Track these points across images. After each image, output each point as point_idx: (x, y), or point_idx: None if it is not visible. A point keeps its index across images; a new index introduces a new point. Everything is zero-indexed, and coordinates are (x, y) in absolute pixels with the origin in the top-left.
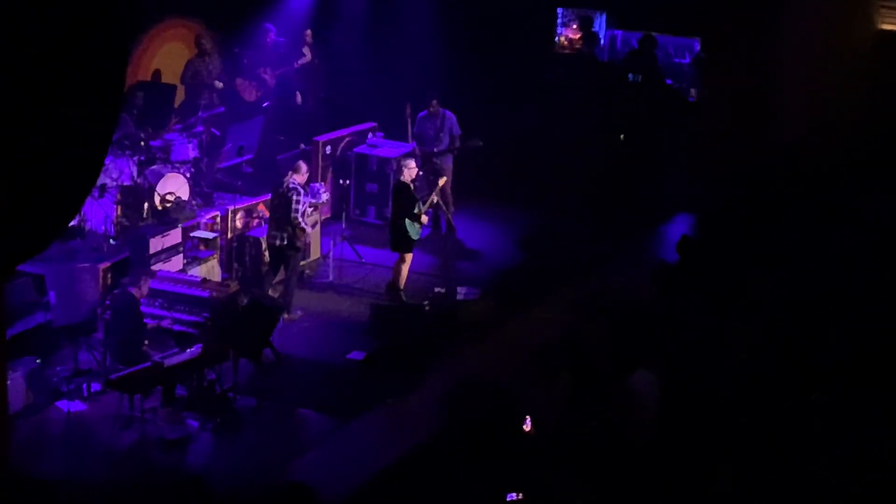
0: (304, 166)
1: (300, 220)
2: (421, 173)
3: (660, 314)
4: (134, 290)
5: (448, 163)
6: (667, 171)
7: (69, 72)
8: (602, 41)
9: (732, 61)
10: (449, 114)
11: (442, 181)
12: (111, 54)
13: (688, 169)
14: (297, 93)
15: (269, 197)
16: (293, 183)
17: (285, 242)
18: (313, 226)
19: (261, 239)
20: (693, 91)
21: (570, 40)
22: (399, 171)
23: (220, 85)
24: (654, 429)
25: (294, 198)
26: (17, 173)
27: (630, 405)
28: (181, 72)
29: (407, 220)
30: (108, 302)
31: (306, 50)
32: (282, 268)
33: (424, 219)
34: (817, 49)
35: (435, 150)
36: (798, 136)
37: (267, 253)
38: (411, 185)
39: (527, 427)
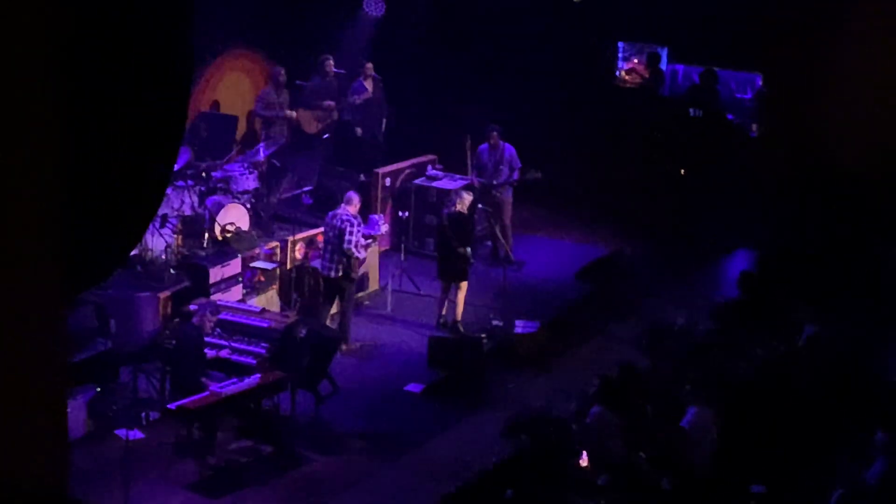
0: (355, 197)
1: (354, 250)
2: (479, 205)
3: (719, 349)
4: (197, 322)
5: (508, 195)
6: (727, 205)
7: (132, 102)
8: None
9: (793, 96)
10: (509, 146)
11: (505, 215)
12: (174, 85)
13: (748, 204)
14: (356, 127)
15: None
16: (346, 214)
17: (340, 273)
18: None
19: (318, 269)
20: (754, 126)
21: (632, 74)
22: (453, 202)
23: (293, 115)
24: (711, 464)
25: (347, 229)
26: (80, 202)
27: (687, 441)
28: (253, 102)
29: (468, 249)
30: (168, 331)
31: (368, 83)
32: (337, 299)
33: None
34: (879, 82)
35: (495, 182)
36: (859, 170)
37: (322, 284)
38: (468, 215)
39: (583, 462)
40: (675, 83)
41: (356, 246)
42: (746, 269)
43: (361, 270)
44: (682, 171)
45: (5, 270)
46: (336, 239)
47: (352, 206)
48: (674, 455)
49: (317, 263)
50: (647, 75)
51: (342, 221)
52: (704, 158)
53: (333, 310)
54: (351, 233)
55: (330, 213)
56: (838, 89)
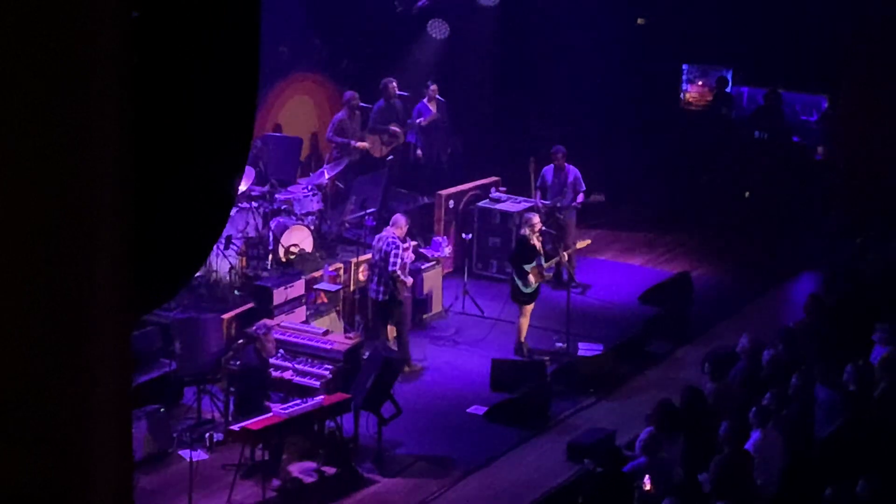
0: (402, 220)
1: (399, 273)
2: (544, 228)
3: (786, 373)
4: (259, 344)
5: (572, 217)
6: (793, 228)
7: (198, 121)
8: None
9: (859, 118)
10: (573, 169)
11: (581, 244)
12: (240, 105)
13: (813, 226)
14: (418, 148)
15: None
16: (391, 237)
17: (387, 297)
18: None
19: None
20: (820, 149)
21: (695, 96)
22: (521, 225)
23: (366, 145)
24: (776, 489)
25: (392, 251)
26: (146, 224)
27: (752, 465)
28: (317, 124)
29: (515, 275)
30: (231, 353)
31: (432, 104)
32: (390, 322)
33: (532, 277)
34: None
35: (559, 204)
36: None
37: (374, 308)
38: (532, 240)
39: (647, 486)
40: (740, 105)
41: (401, 269)
42: (814, 293)
43: (425, 292)
44: (747, 194)
45: (72, 290)
46: (382, 262)
47: (397, 228)
48: (738, 479)
49: None
50: (711, 98)
51: (388, 244)
52: (770, 181)
53: (392, 333)
54: (396, 255)
55: (377, 237)
56: None
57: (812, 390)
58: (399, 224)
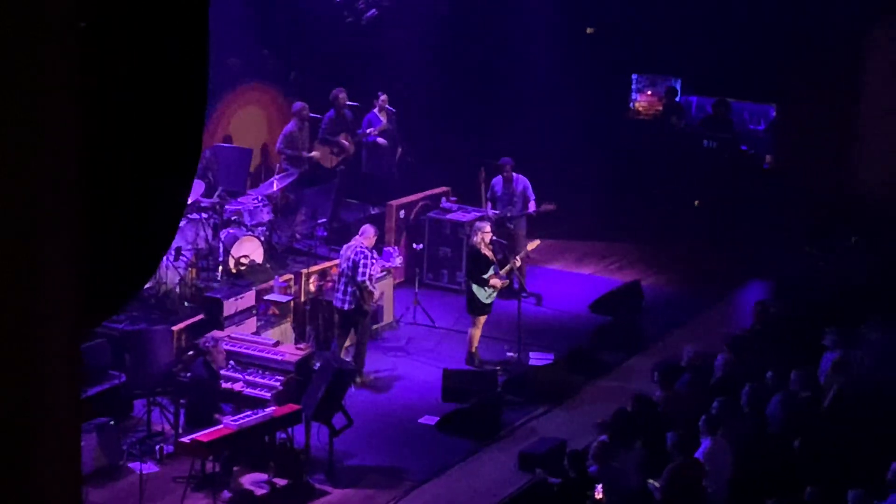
0: (371, 230)
1: (368, 283)
2: (493, 237)
3: (735, 380)
4: (209, 355)
5: (522, 227)
6: (742, 236)
7: (146, 133)
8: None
9: (807, 127)
10: (523, 178)
11: (532, 245)
12: (188, 116)
13: (762, 234)
14: (371, 159)
15: None
16: (360, 247)
17: (353, 306)
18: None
19: (332, 302)
20: (768, 157)
21: (645, 106)
22: (472, 233)
23: (316, 155)
24: (726, 496)
25: (361, 261)
26: (94, 236)
27: (702, 472)
28: (267, 134)
29: (475, 285)
30: (182, 365)
31: (382, 115)
32: (352, 331)
33: (496, 282)
34: (893, 116)
35: (509, 214)
36: (876, 201)
37: (336, 317)
38: (483, 249)
39: (598, 495)
40: (689, 114)
41: (370, 279)
42: (760, 300)
43: (376, 303)
44: (697, 203)
45: (19, 304)
46: (350, 271)
47: (366, 238)
48: (689, 488)
49: (332, 295)
50: (661, 107)
51: (357, 254)
52: (718, 189)
53: (348, 342)
54: (365, 265)
55: (345, 245)
56: (851, 120)
57: (760, 398)
58: (368, 234)
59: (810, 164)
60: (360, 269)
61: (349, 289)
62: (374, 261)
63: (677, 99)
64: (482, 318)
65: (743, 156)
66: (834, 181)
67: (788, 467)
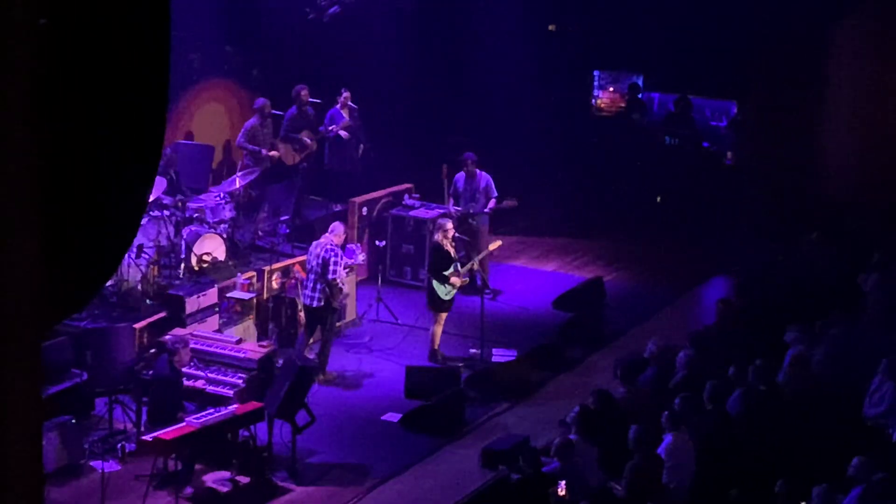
0: (340, 227)
1: (338, 281)
2: (456, 234)
3: (697, 376)
4: (172, 353)
5: (485, 223)
6: (704, 233)
7: (106, 130)
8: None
9: (770, 123)
10: (485, 175)
11: (493, 245)
12: (150, 113)
13: (724, 230)
14: (334, 156)
15: (304, 257)
16: (330, 244)
17: (322, 303)
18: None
19: (297, 299)
20: (729, 154)
21: (606, 102)
22: (434, 231)
23: (277, 154)
24: (688, 492)
25: (332, 259)
26: (54, 233)
27: (664, 468)
28: (229, 131)
29: (435, 281)
30: (143, 363)
31: (344, 111)
32: (318, 328)
33: (456, 280)
34: (856, 113)
35: (471, 210)
36: (837, 198)
37: (302, 314)
38: (445, 246)
39: (561, 491)
40: (651, 111)
41: (340, 276)
42: (723, 297)
43: (340, 300)
44: (659, 199)
45: None
46: (319, 269)
47: (336, 235)
48: (649, 483)
49: (295, 292)
50: (624, 104)
51: (327, 251)
52: (681, 186)
53: (313, 339)
54: (336, 263)
55: (314, 243)
56: (812, 116)
57: (722, 393)
58: (337, 231)
59: (772, 161)
60: (331, 268)
61: (318, 286)
62: (343, 258)
63: (640, 96)
64: (444, 315)
65: (705, 152)
66: (795, 177)
67: (750, 462)
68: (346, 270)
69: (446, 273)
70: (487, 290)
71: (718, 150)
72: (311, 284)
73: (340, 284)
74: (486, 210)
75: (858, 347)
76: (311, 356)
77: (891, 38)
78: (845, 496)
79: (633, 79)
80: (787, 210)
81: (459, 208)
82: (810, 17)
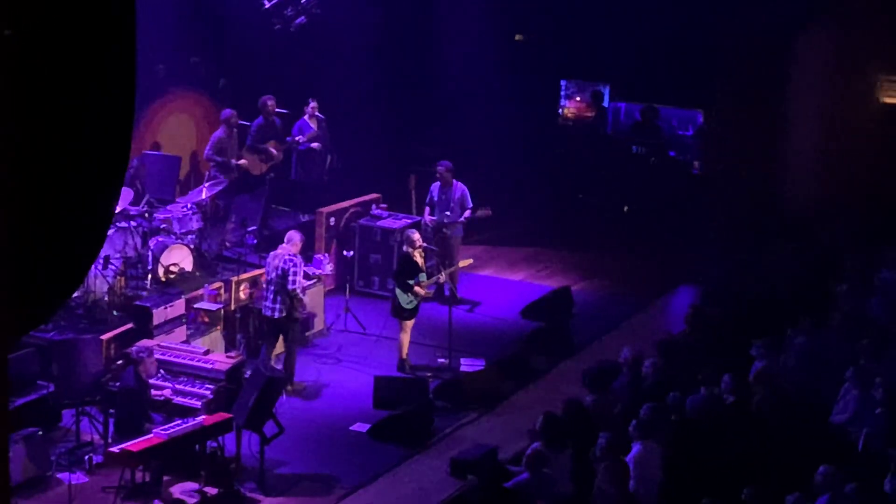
0: (297, 237)
1: (298, 291)
2: (423, 244)
3: (665, 385)
4: (139, 364)
5: (459, 233)
6: (671, 242)
7: (73, 141)
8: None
9: (735, 134)
10: (461, 185)
11: (464, 263)
12: (116, 125)
13: (691, 239)
14: (301, 167)
15: None
16: (287, 254)
17: (284, 314)
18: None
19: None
20: (696, 163)
21: (573, 112)
22: (403, 242)
23: (244, 163)
24: (656, 500)
25: (290, 269)
26: (20, 243)
27: (632, 476)
28: (196, 142)
29: (397, 289)
30: (110, 374)
31: (312, 122)
32: (280, 340)
33: (420, 290)
34: (821, 122)
35: (445, 220)
36: (802, 207)
37: (264, 325)
38: (415, 257)
39: None
40: (618, 121)
41: (300, 287)
42: (696, 304)
43: (307, 311)
44: (626, 208)
45: None
46: (279, 280)
47: (293, 245)
48: (619, 491)
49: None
50: (589, 113)
51: (285, 262)
52: (648, 195)
53: (277, 350)
54: (294, 273)
55: (271, 254)
56: (778, 125)
57: (690, 403)
58: (294, 241)
59: (738, 169)
60: (290, 278)
61: (279, 297)
62: (301, 268)
63: (604, 104)
64: (409, 323)
65: (671, 162)
66: (761, 185)
67: (717, 472)
68: (313, 280)
69: (410, 282)
70: (456, 301)
71: (685, 160)
72: (272, 296)
73: (300, 295)
74: (460, 220)
75: (827, 355)
76: (278, 367)
77: (854, 46)
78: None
79: (598, 87)
80: (753, 218)
81: (434, 217)
82: (775, 25)
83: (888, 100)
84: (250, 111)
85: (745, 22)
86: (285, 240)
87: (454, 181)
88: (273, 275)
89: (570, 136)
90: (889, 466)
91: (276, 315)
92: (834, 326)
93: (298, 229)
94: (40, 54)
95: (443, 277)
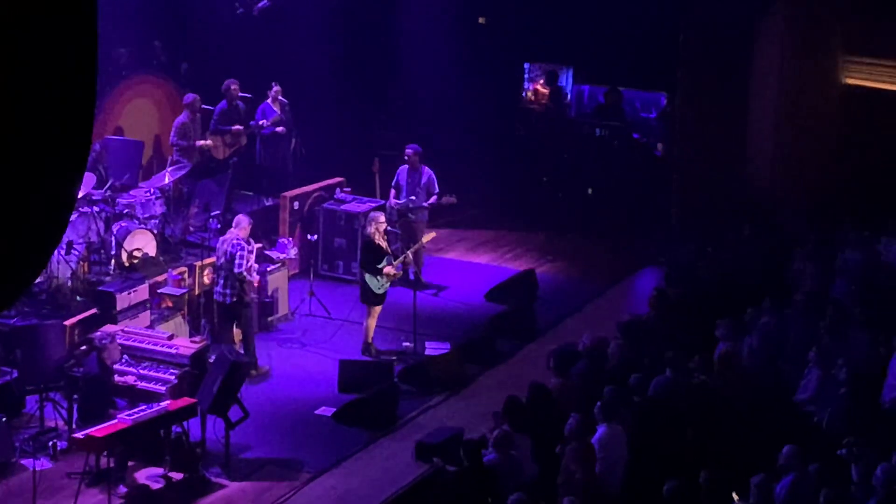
0: (245, 220)
1: (246, 274)
2: (388, 227)
3: (629, 366)
4: (103, 350)
5: (423, 218)
6: (635, 224)
7: (34, 127)
8: (569, 96)
9: (698, 116)
10: (428, 170)
11: (427, 237)
12: (78, 109)
13: (656, 222)
14: (266, 150)
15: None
16: (235, 238)
17: (234, 299)
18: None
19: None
20: (659, 145)
21: (536, 95)
22: (366, 224)
23: (209, 143)
24: (621, 483)
25: (238, 253)
26: None
27: (597, 459)
28: (158, 126)
29: (367, 275)
30: (74, 360)
31: (275, 106)
32: (235, 324)
33: (389, 270)
34: (783, 103)
35: (411, 205)
36: (765, 189)
37: (218, 311)
38: (377, 239)
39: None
40: (581, 103)
41: (248, 270)
42: (659, 287)
43: (256, 294)
44: (590, 191)
45: None
46: (228, 264)
47: (241, 229)
48: (583, 474)
49: None
50: (544, 90)
51: (233, 246)
52: (611, 177)
53: (238, 336)
54: (242, 257)
55: (220, 239)
56: (742, 107)
57: (654, 384)
58: (242, 225)
59: (700, 152)
60: (237, 262)
61: (229, 282)
62: (250, 251)
63: (559, 83)
64: (377, 308)
65: (635, 144)
66: (723, 168)
67: (683, 453)
68: (278, 264)
69: (379, 266)
70: (421, 284)
71: (648, 142)
72: (222, 281)
73: (249, 277)
74: (425, 204)
75: (789, 336)
76: (242, 352)
77: (816, 28)
78: (776, 484)
79: (553, 68)
80: (716, 200)
81: (400, 201)
82: (738, 8)
83: (851, 81)
84: (213, 95)
85: (708, 4)
86: (233, 224)
87: (422, 166)
88: (222, 260)
89: (533, 118)
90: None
91: (228, 300)
92: (797, 307)
93: (257, 214)
94: None
95: (409, 258)
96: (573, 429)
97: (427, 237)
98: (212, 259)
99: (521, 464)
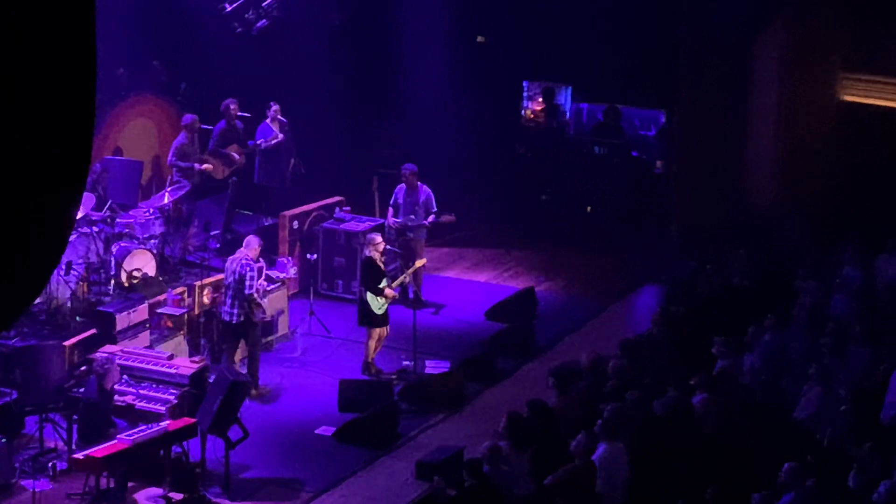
0: (255, 241)
1: (255, 295)
2: (387, 247)
3: (629, 384)
4: (102, 370)
5: (422, 236)
6: (635, 241)
7: (33, 147)
8: (567, 114)
9: (697, 133)
10: (426, 188)
11: (420, 263)
12: (77, 130)
13: (656, 240)
14: (264, 170)
15: None
16: (245, 259)
17: (242, 319)
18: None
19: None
20: (659, 163)
21: (535, 113)
22: (365, 246)
23: (209, 167)
24: (622, 501)
25: (248, 274)
26: None
27: (598, 477)
28: (158, 146)
29: (369, 295)
30: (74, 380)
31: (274, 125)
32: (241, 345)
33: (389, 292)
34: (781, 120)
35: (409, 224)
36: (763, 206)
37: (224, 330)
38: (377, 260)
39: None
40: (580, 121)
41: (258, 291)
42: (664, 305)
43: (268, 314)
44: (589, 209)
45: None
46: (237, 284)
47: (251, 249)
48: (582, 491)
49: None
50: (538, 108)
51: (242, 266)
52: (611, 195)
53: (239, 355)
54: (252, 278)
55: (229, 258)
56: (741, 124)
57: (655, 402)
58: (252, 245)
59: (700, 169)
60: (248, 283)
61: (237, 302)
62: (259, 273)
63: (555, 101)
64: (377, 330)
65: (634, 161)
66: (723, 184)
67: (684, 470)
68: (277, 283)
69: (381, 286)
70: (421, 302)
71: (648, 160)
72: (230, 301)
73: (258, 299)
74: (423, 223)
75: (790, 353)
76: (244, 371)
77: (814, 44)
78: (777, 502)
79: (549, 86)
80: (716, 217)
81: (398, 220)
82: (735, 24)
83: (848, 97)
84: (212, 115)
85: (705, 21)
86: (244, 244)
87: (419, 184)
88: (231, 279)
89: (533, 137)
90: (852, 464)
91: (235, 320)
92: (797, 324)
93: (257, 234)
94: None
95: (408, 278)
96: (581, 446)
97: (419, 263)
98: (211, 279)
99: (513, 478)
